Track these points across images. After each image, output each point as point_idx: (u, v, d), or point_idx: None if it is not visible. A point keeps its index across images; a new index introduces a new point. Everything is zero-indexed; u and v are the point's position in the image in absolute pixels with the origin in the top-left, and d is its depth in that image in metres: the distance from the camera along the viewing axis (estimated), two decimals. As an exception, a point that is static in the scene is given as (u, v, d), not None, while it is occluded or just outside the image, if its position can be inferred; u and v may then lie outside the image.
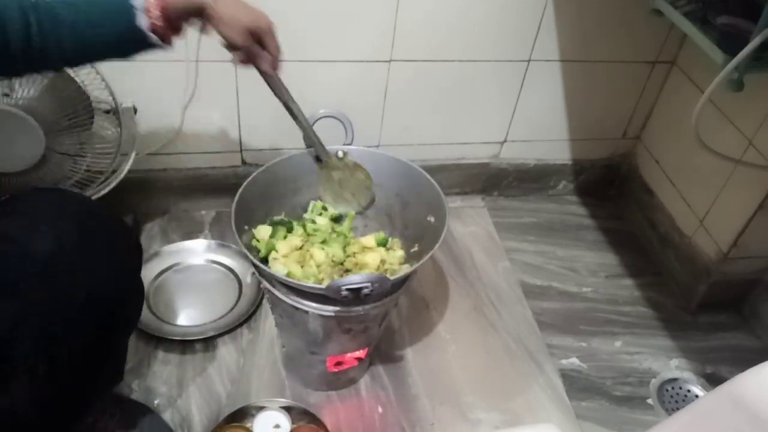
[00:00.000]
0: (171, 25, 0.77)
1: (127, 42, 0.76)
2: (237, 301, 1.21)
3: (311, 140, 0.99)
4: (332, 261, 0.99)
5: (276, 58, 0.88)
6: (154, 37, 0.76)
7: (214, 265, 1.28)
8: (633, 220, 1.55)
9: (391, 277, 0.82)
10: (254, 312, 1.19)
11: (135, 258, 0.82)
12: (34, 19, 0.68)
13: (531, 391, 1.13)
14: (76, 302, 0.68)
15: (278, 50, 0.87)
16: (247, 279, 1.25)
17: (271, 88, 0.91)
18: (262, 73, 0.88)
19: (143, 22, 0.74)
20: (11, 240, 0.66)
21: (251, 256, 0.89)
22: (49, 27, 0.69)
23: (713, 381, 1.20)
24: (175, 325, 1.16)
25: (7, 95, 0.98)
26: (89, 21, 0.72)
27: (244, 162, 1.35)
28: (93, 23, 0.72)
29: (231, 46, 0.83)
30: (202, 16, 0.79)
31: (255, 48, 0.84)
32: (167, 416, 1.02)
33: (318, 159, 1.05)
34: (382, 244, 1.03)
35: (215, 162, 1.33)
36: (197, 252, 1.29)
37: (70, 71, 1.04)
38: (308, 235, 1.03)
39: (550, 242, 1.47)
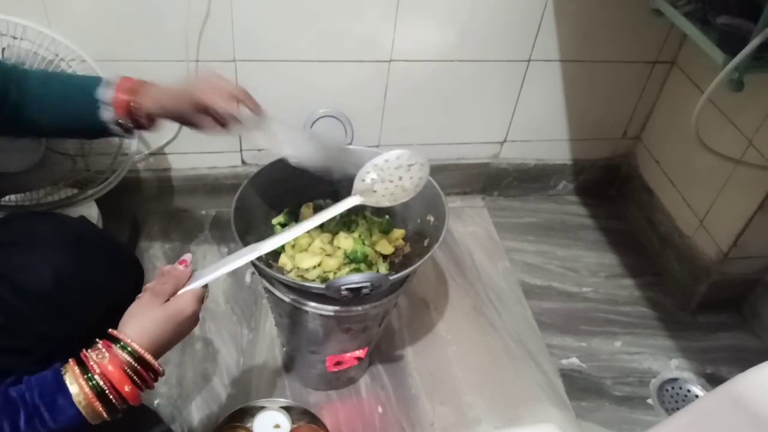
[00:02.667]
0: (139, 122, 0.77)
1: (92, 130, 0.78)
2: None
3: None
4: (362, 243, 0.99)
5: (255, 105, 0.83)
6: (117, 130, 0.77)
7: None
8: (633, 220, 1.55)
9: (391, 278, 0.82)
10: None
11: (136, 279, 0.83)
12: (14, 88, 0.71)
13: (531, 391, 1.13)
14: (77, 332, 0.68)
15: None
16: (247, 279, 1.25)
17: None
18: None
19: (107, 115, 0.75)
20: (8, 280, 0.66)
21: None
22: (24, 100, 0.72)
23: (713, 381, 1.20)
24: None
25: (7, 95, 0.98)
26: (59, 106, 0.75)
27: (244, 162, 1.35)
28: (62, 109, 0.75)
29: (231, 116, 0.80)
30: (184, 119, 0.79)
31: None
32: (167, 416, 1.02)
33: None
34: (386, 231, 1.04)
35: (215, 162, 1.33)
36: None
37: (71, 71, 1.04)
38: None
39: (550, 242, 1.47)
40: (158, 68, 1.15)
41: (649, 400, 1.16)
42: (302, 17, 1.14)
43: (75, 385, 0.57)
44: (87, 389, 0.57)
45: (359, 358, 1.04)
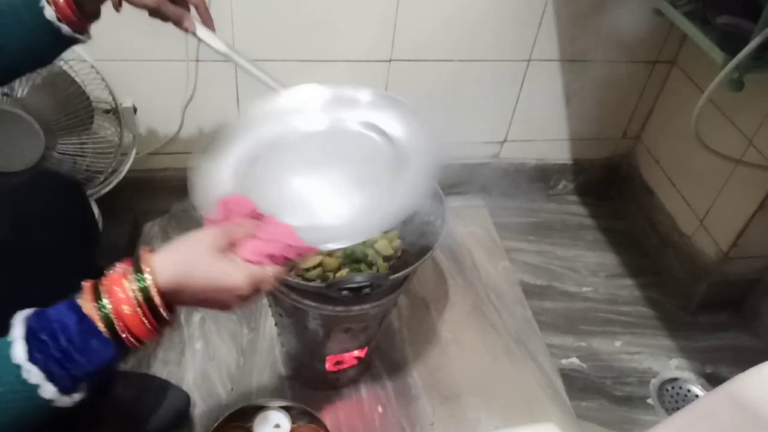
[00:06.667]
0: (82, 11, 0.70)
1: (40, 39, 0.69)
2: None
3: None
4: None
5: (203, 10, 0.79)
6: (66, 29, 0.69)
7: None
8: (633, 220, 1.55)
9: (391, 278, 0.82)
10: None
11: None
12: None
13: (531, 391, 1.13)
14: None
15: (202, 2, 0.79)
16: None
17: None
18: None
19: (50, 13, 0.67)
20: None
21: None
22: None
23: (713, 381, 1.20)
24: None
25: (7, 95, 0.98)
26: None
27: (244, 162, 1.35)
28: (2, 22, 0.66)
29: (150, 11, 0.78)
30: None
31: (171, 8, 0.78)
32: (167, 416, 1.02)
33: None
34: None
35: (215, 162, 1.33)
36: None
37: (71, 71, 1.04)
38: None
39: (550, 242, 1.47)
40: (158, 68, 1.15)
41: (649, 400, 1.16)
42: (302, 17, 1.14)
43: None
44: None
45: (359, 358, 1.04)
